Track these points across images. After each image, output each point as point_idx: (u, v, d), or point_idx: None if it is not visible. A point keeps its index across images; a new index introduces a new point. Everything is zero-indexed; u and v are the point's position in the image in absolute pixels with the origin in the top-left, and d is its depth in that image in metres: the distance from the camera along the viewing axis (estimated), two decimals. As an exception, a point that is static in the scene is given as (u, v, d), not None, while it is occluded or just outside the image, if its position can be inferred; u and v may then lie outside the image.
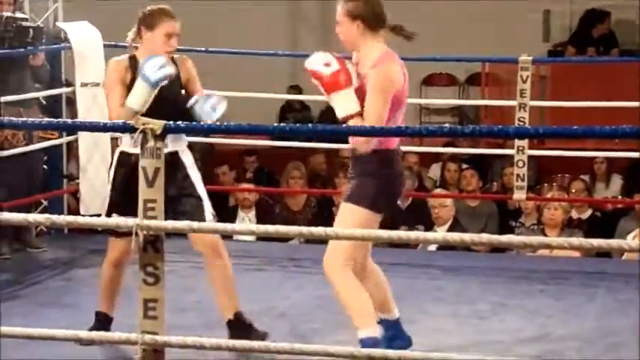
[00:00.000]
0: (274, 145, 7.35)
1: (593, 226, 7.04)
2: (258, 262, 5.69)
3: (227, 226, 2.93)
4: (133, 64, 3.96)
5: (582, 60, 8.55)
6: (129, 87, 3.90)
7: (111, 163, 4.07)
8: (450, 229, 6.54)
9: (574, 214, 7.07)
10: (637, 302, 4.63)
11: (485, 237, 2.67)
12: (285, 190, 7.47)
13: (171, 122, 2.86)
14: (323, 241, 4.76)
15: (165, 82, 3.85)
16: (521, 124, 5.84)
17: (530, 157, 6.10)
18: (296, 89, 9.57)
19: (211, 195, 8.62)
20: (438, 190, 7.46)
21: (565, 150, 6.64)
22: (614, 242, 2.49)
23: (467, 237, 2.68)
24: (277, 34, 9.83)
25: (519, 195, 6.04)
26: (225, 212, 7.41)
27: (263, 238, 6.27)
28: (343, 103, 3.59)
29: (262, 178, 8.25)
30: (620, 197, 7.67)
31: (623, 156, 6.94)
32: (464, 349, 4.07)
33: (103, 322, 4.08)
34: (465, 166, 7.88)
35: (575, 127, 2.45)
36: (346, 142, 6.39)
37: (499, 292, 5.07)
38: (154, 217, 2.74)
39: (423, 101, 9.87)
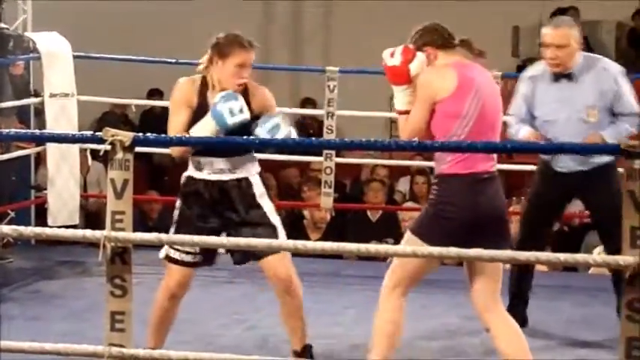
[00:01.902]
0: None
1: (561, 240, 7.08)
2: (230, 274, 5.67)
3: (194, 239, 2.91)
4: (204, 90, 3.81)
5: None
6: (195, 111, 3.76)
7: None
8: (419, 243, 6.55)
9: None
10: (602, 316, 4.66)
11: (453, 251, 2.68)
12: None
13: (140, 134, 2.85)
14: (293, 253, 4.76)
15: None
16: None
17: (499, 171, 6.11)
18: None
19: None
20: (409, 204, 7.48)
21: (533, 165, 6.66)
22: (579, 257, 2.51)
23: (435, 250, 2.68)
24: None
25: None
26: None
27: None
28: (399, 98, 3.53)
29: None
30: (586, 211, 7.71)
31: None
32: (432, 362, 4.08)
33: None
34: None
35: (542, 142, 2.47)
36: (317, 154, 6.50)
37: (467, 305, 5.06)
38: (122, 229, 2.73)
39: (393, 115, 9.86)
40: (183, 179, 3.87)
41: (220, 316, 4.75)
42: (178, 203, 3.86)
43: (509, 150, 3.27)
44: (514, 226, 6.55)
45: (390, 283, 3.58)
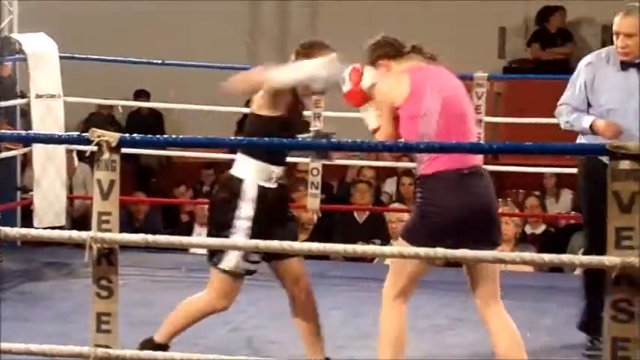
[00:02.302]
0: (232, 159, 7.34)
1: (547, 241, 7.11)
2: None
3: (183, 240, 2.91)
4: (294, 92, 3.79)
5: (538, 77, 8.63)
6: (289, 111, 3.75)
7: (234, 197, 3.72)
8: (406, 244, 6.57)
9: (528, 230, 7.13)
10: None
11: (440, 251, 2.69)
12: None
13: (127, 135, 2.85)
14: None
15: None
16: (477, 139, 5.87)
17: (485, 172, 6.14)
18: (253, 103, 9.57)
19: (166, 210, 8.60)
20: (395, 205, 7.49)
21: (519, 166, 6.70)
22: (565, 257, 2.52)
23: (422, 251, 2.69)
24: (235, 46, 9.83)
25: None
26: (179, 228, 7.40)
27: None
28: (367, 120, 3.67)
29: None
30: (571, 212, 7.75)
31: (574, 172, 7.01)
32: (421, 363, 4.09)
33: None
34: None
35: (527, 143, 2.48)
36: (304, 156, 6.49)
37: (456, 306, 5.09)
38: (109, 230, 2.72)
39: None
40: (252, 187, 3.70)
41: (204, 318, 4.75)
42: (247, 212, 3.68)
43: (495, 150, 3.27)
44: (504, 228, 6.62)
45: (393, 291, 3.58)
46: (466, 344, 4.43)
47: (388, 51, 3.71)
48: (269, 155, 3.70)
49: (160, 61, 6.48)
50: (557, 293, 5.57)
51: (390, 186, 8.37)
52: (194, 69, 7.72)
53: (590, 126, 4.17)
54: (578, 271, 6.26)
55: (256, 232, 3.64)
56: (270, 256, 3.82)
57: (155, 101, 9.01)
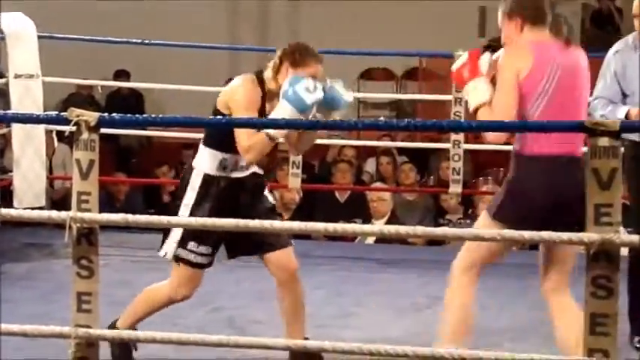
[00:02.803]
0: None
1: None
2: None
3: (162, 219, 2.91)
4: (263, 92, 3.65)
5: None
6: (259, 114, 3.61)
7: (185, 185, 3.69)
8: (387, 223, 6.58)
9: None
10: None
11: (420, 229, 2.69)
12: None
13: (106, 115, 2.84)
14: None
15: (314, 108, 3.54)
16: (457, 118, 5.89)
17: (466, 151, 6.16)
18: (234, 83, 9.56)
19: (148, 191, 8.57)
20: (377, 184, 7.50)
21: (501, 144, 6.70)
22: (545, 234, 2.53)
23: (402, 229, 2.69)
24: (216, 27, 9.80)
25: (455, 189, 6.10)
26: (161, 208, 7.37)
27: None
28: (472, 96, 3.36)
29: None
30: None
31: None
32: (402, 341, 4.08)
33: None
34: (403, 159, 7.93)
35: (507, 121, 2.48)
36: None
37: (436, 284, 5.07)
38: (88, 210, 2.71)
39: (360, 95, 9.91)
40: (199, 176, 3.67)
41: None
42: (188, 200, 3.66)
43: (475, 129, 3.27)
44: (485, 206, 6.65)
45: (463, 264, 3.44)
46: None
47: (528, 13, 3.38)
48: (220, 142, 3.64)
49: (139, 41, 6.44)
50: (538, 271, 5.59)
51: (370, 165, 8.38)
52: (175, 49, 7.69)
53: (626, 116, 4.01)
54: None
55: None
56: (234, 250, 3.78)
57: (135, 81, 8.97)
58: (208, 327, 4.18)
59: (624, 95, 4.11)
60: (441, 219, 7.10)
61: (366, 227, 3.06)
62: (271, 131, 3.50)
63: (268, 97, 3.66)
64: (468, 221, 6.80)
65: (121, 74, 9.46)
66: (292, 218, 6.86)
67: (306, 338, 3.76)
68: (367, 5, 9.63)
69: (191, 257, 3.67)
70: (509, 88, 3.28)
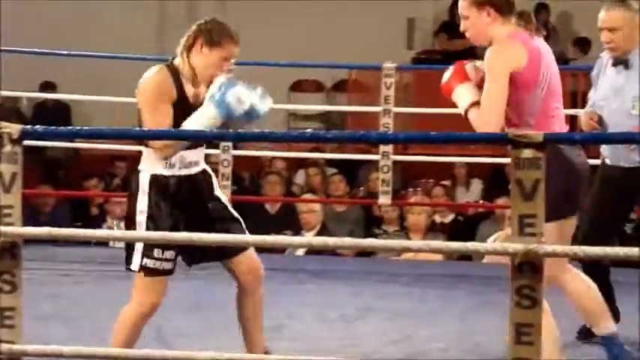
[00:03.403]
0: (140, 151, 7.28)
1: (456, 229, 7.21)
2: (124, 268, 5.61)
3: (87, 232, 2.87)
4: (178, 80, 3.43)
5: (445, 67, 8.71)
6: (175, 105, 3.40)
7: (135, 191, 3.48)
8: (317, 234, 6.60)
9: (437, 219, 7.23)
10: (497, 304, 4.74)
11: (347, 241, 2.70)
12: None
13: (29, 127, 2.79)
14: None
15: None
16: (386, 129, 5.94)
17: (395, 162, 6.20)
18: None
19: (75, 204, 8.47)
20: (307, 196, 7.51)
21: (429, 155, 6.78)
22: (470, 245, 2.55)
23: (330, 241, 2.70)
24: (145, 37, 9.73)
25: (384, 200, 6.13)
26: (89, 221, 7.30)
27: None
28: (459, 100, 3.29)
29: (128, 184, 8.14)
30: (480, 201, 7.88)
31: (484, 161, 7.14)
32: (332, 353, 4.09)
33: None
34: (332, 171, 7.96)
35: (432, 132, 2.51)
36: (214, 146, 6.46)
37: (366, 295, 5.13)
38: (11, 224, 2.67)
39: (290, 107, 9.93)
40: (146, 178, 3.47)
41: (113, 311, 4.70)
42: (142, 205, 3.46)
43: (401, 140, 3.30)
44: (414, 217, 6.71)
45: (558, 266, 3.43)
46: (376, 332, 4.46)
47: (500, 3, 3.32)
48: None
49: (66, 52, 6.36)
50: (467, 281, 5.66)
51: (300, 177, 8.39)
52: (105, 60, 7.62)
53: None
54: (486, 259, 6.37)
55: (154, 224, 3.43)
56: (201, 257, 3.60)
57: (62, 92, 8.86)
58: (140, 341, 4.13)
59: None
60: (376, 229, 7.13)
61: (295, 239, 3.06)
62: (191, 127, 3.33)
63: (185, 82, 3.44)
64: (404, 232, 6.84)
65: (48, 86, 9.33)
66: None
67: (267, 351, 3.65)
68: (297, 17, 9.65)
69: (158, 265, 3.47)
70: (501, 89, 3.23)
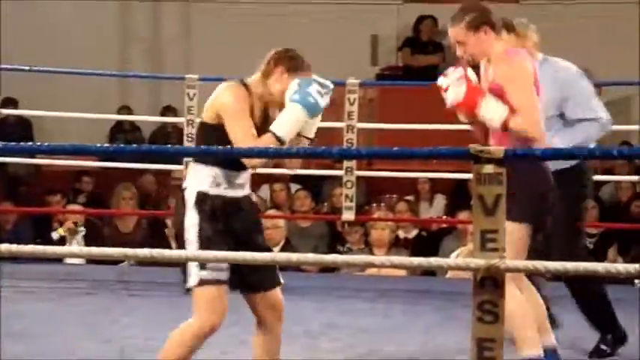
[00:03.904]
0: (104, 167, 7.26)
1: (419, 245, 7.22)
2: (87, 285, 5.58)
3: (47, 249, 2.84)
4: (251, 100, 3.48)
5: (408, 84, 8.76)
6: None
7: (183, 208, 3.41)
8: (281, 250, 6.58)
9: (401, 234, 7.24)
10: (460, 318, 4.76)
11: (310, 257, 2.69)
12: (114, 211, 7.33)
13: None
14: (154, 263, 4.69)
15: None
16: (349, 145, 5.95)
17: (358, 177, 6.21)
18: (126, 110, 9.48)
19: (38, 221, 8.40)
20: (271, 211, 7.49)
21: (393, 171, 6.79)
22: (433, 260, 2.56)
23: (294, 257, 2.69)
24: (107, 53, 9.69)
25: (348, 215, 6.13)
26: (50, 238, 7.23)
27: (92, 260, 6.16)
28: (493, 112, 3.44)
29: (93, 200, 8.09)
30: (444, 217, 7.90)
31: (447, 177, 7.17)
32: (295, 369, 4.09)
33: None
34: (296, 187, 7.95)
35: (395, 148, 2.51)
36: (177, 163, 6.44)
37: (330, 311, 5.13)
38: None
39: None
40: (192, 195, 3.41)
41: (77, 329, 4.67)
42: (192, 221, 3.40)
43: (364, 156, 3.31)
44: (378, 233, 6.71)
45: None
46: (341, 348, 4.46)
47: (492, 22, 3.57)
48: (214, 158, 3.43)
49: (27, 68, 6.32)
50: (430, 296, 5.67)
51: (264, 192, 8.38)
52: (65, 76, 7.57)
53: None
54: (449, 275, 6.40)
55: (206, 240, 3.39)
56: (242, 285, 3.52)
57: (23, 109, 8.79)
58: (101, 358, 4.11)
59: None
60: (340, 245, 7.12)
61: (258, 255, 3.04)
62: (280, 132, 3.35)
63: (255, 101, 3.49)
64: (367, 248, 6.83)
65: (9, 102, 9.26)
66: (185, 247, 6.80)
67: None
68: (261, 32, 9.64)
69: (215, 275, 3.38)
70: (532, 89, 3.48)
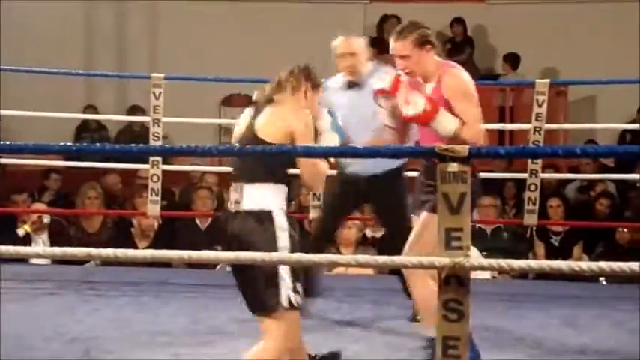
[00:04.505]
0: (69, 166, 7.21)
1: (385, 243, 7.22)
2: (52, 285, 5.54)
3: (10, 249, 2.82)
4: None
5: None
6: None
7: (268, 231, 3.38)
8: (248, 249, 6.57)
9: (368, 233, 7.24)
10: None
11: (275, 255, 2.69)
12: (79, 211, 7.28)
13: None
14: (120, 263, 4.67)
15: None
16: (316, 143, 5.95)
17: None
18: (92, 109, 9.42)
19: (2, 220, 8.35)
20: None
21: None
22: (397, 259, 2.56)
23: (257, 256, 2.69)
24: (73, 52, 9.63)
25: (315, 214, 6.13)
26: (19, 237, 7.17)
27: (58, 260, 6.11)
28: (447, 124, 3.78)
29: (60, 199, 8.03)
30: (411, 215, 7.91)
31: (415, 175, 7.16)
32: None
33: None
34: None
35: (360, 147, 2.51)
36: (143, 162, 6.41)
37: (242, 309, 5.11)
38: None
39: (222, 121, 9.91)
40: (281, 215, 3.41)
41: (41, 329, 4.63)
42: (284, 242, 3.36)
43: (329, 155, 3.31)
44: (345, 231, 6.71)
45: None
46: (307, 346, 4.45)
47: (433, 42, 3.92)
48: (281, 175, 3.44)
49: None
50: (398, 295, 5.68)
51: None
52: (31, 75, 7.51)
53: None
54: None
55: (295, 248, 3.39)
56: None
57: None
58: (65, 358, 4.08)
59: None
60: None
61: (222, 254, 3.04)
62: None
63: None
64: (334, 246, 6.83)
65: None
66: (152, 246, 6.77)
67: None
68: (227, 31, 9.63)
69: (300, 300, 3.40)
70: (477, 102, 3.85)
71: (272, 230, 3.36)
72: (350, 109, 4.62)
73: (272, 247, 3.32)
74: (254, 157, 3.41)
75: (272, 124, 3.46)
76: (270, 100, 3.56)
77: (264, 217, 3.37)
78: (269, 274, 3.34)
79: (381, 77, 4.31)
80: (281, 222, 3.38)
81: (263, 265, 3.30)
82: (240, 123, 3.63)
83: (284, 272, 3.33)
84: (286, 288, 3.35)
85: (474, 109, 3.82)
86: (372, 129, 4.47)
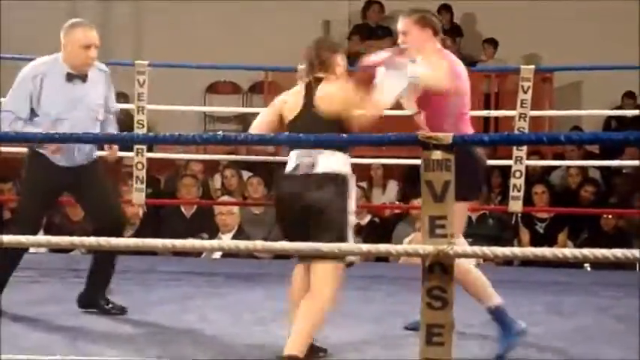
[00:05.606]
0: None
1: (372, 231, 7.24)
2: (37, 273, 5.53)
3: (2, 238, 2.80)
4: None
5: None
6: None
7: (342, 195, 3.80)
8: (234, 237, 6.57)
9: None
10: (414, 304, 4.77)
11: (259, 244, 2.68)
12: (64, 199, 7.22)
13: None
14: (107, 251, 4.64)
15: None
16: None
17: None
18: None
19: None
20: (225, 198, 7.47)
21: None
22: (382, 247, 2.56)
23: (242, 244, 2.68)
24: (56, 40, 9.57)
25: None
26: (2, 225, 7.14)
27: (43, 249, 6.10)
28: (416, 71, 3.80)
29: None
30: (397, 203, 7.92)
31: (399, 162, 7.19)
32: (249, 356, 4.08)
33: None
34: (250, 174, 7.93)
35: (344, 135, 2.51)
36: (128, 149, 6.37)
37: (281, 298, 5.10)
38: None
39: (207, 109, 9.88)
40: (353, 181, 3.87)
41: (27, 317, 4.62)
42: (351, 207, 3.84)
43: (314, 142, 3.30)
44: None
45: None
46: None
47: (436, 26, 4.05)
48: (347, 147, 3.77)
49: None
50: (383, 282, 5.69)
51: (218, 180, 8.35)
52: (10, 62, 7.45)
53: None
54: (402, 260, 6.42)
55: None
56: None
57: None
58: (49, 347, 4.07)
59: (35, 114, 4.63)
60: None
61: (207, 243, 3.02)
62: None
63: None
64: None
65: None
66: (138, 234, 6.76)
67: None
68: (212, 18, 9.60)
69: (353, 259, 3.87)
70: (446, 73, 3.89)
71: (346, 193, 3.76)
72: (71, 103, 4.63)
73: (344, 208, 3.73)
74: (327, 126, 3.62)
75: (330, 99, 3.80)
76: (319, 79, 3.97)
77: (340, 181, 3.75)
78: (341, 228, 3.69)
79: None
80: (352, 187, 3.80)
81: (338, 219, 3.69)
82: (288, 100, 4.09)
83: (350, 234, 3.73)
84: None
85: (439, 67, 3.85)
86: (98, 121, 4.73)
